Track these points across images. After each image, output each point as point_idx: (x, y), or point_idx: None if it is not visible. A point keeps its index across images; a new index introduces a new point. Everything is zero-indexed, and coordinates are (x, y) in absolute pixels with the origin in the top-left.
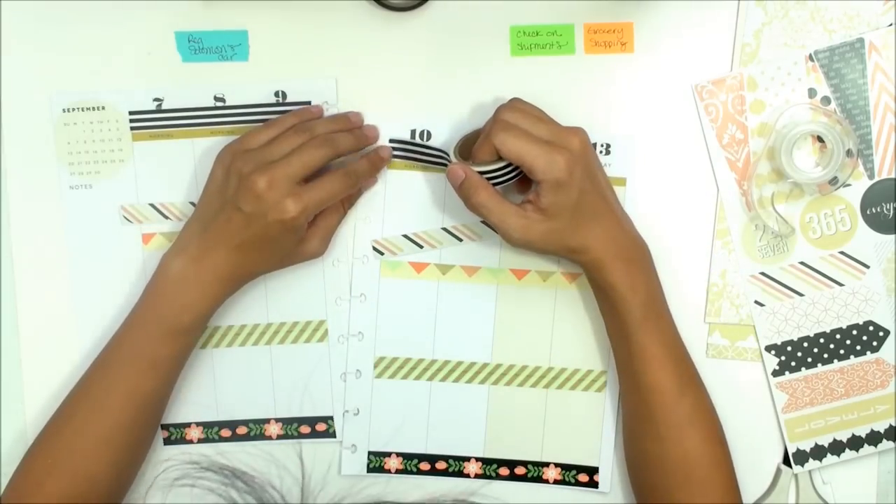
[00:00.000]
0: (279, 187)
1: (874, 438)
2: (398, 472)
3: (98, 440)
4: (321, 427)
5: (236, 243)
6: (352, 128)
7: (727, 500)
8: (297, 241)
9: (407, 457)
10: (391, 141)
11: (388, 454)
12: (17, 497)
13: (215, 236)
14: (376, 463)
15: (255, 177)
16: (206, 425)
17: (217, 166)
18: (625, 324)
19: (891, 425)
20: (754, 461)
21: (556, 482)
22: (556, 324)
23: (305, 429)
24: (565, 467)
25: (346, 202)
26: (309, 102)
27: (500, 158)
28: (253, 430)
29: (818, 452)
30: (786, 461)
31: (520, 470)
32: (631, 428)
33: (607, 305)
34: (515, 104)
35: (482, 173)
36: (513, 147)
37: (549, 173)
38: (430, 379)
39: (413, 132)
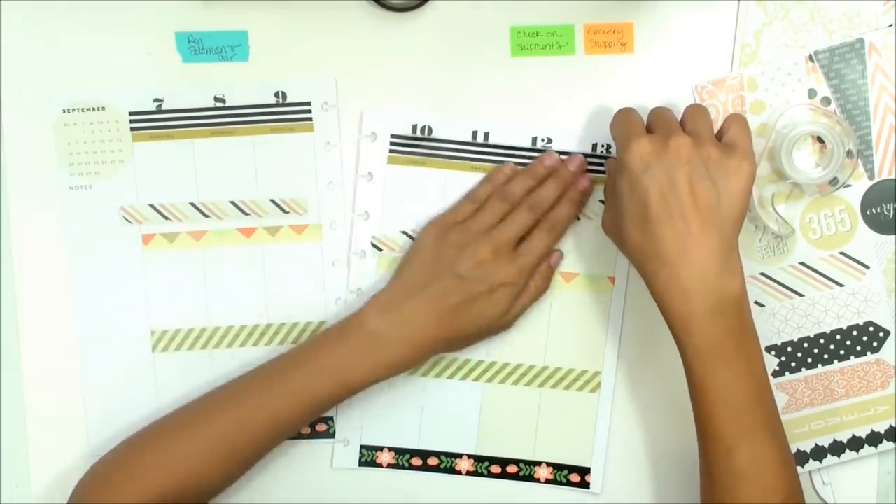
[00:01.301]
0: (501, 253)
1: (874, 439)
2: (390, 466)
3: (226, 454)
4: (321, 427)
5: (444, 309)
6: (547, 175)
7: None
8: (508, 308)
9: (399, 452)
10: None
11: (381, 448)
12: (110, 484)
13: (424, 302)
14: (368, 457)
15: (478, 246)
16: None
17: (427, 238)
18: (683, 362)
19: (891, 426)
20: None
21: (547, 481)
22: (551, 323)
23: (305, 429)
24: (557, 467)
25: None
26: (309, 103)
27: None
28: None
29: (818, 453)
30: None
31: (511, 468)
32: (700, 475)
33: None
34: (664, 108)
35: None
36: (614, 124)
37: (621, 153)
38: (425, 375)
39: (414, 127)
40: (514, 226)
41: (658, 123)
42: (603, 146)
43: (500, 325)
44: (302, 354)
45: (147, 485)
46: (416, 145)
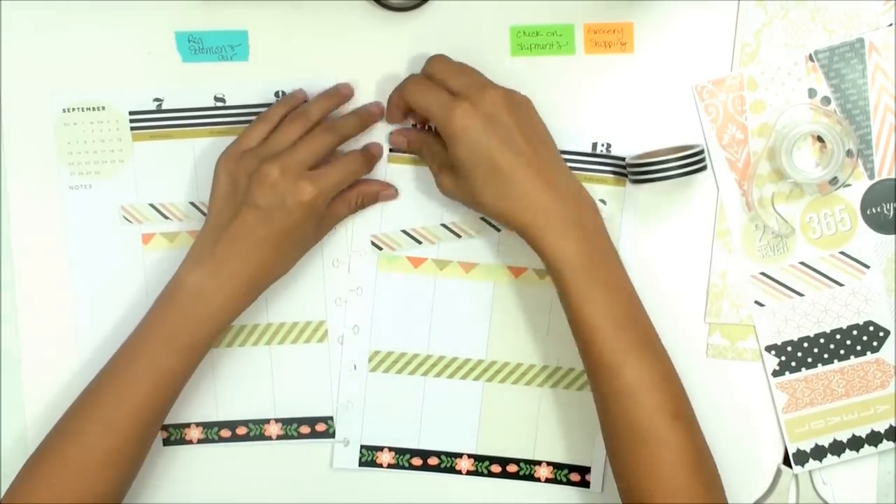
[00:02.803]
0: (292, 172)
1: (874, 439)
2: (390, 466)
3: (106, 458)
4: (321, 427)
5: (254, 242)
6: (344, 100)
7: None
8: (316, 228)
9: (399, 451)
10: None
11: (381, 448)
12: None
13: (231, 243)
14: (368, 457)
15: (266, 168)
16: (206, 426)
17: (220, 173)
18: (561, 296)
19: (891, 425)
20: (754, 461)
21: (547, 481)
22: (551, 322)
23: (305, 429)
24: (557, 466)
25: (360, 198)
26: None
27: None
28: (252, 431)
29: (818, 453)
30: (786, 461)
31: (512, 468)
32: (601, 423)
33: (550, 275)
34: (439, 58)
35: (634, 167)
36: (416, 97)
37: (445, 126)
38: (425, 374)
39: (413, 127)
40: (309, 146)
41: (454, 80)
42: (603, 145)
43: (314, 236)
44: (140, 332)
45: (55, 491)
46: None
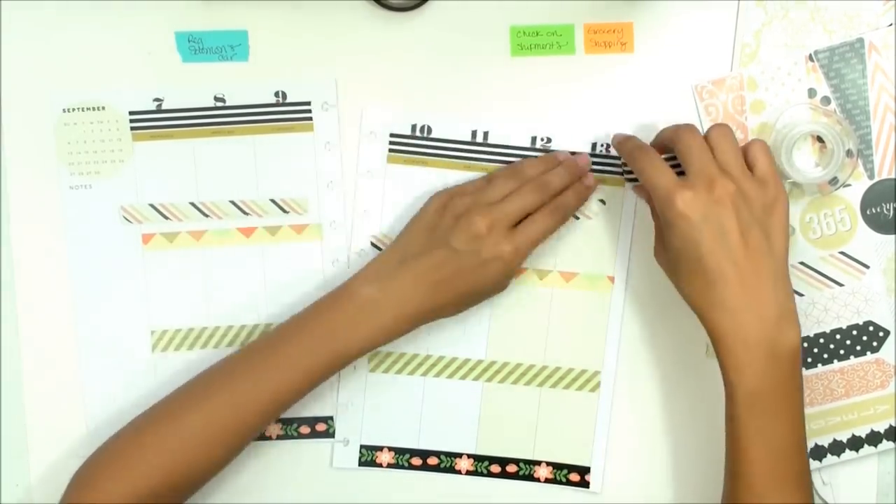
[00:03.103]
0: (497, 228)
1: (874, 439)
2: (389, 466)
3: (222, 435)
4: (321, 427)
5: (437, 279)
6: (556, 165)
7: None
8: (501, 284)
9: (399, 451)
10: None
11: (380, 448)
12: (101, 476)
13: (415, 271)
14: (368, 457)
15: (474, 218)
16: None
17: (429, 206)
18: (728, 407)
19: (891, 425)
20: None
21: (547, 481)
22: (551, 323)
23: (305, 429)
24: (557, 466)
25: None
26: (309, 102)
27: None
28: None
29: (818, 453)
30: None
31: (511, 468)
32: None
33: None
34: (678, 130)
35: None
36: (647, 171)
37: (662, 209)
38: (425, 374)
39: (413, 127)
40: (516, 202)
41: (690, 158)
42: (602, 145)
43: (492, 291)
44: (294, 327)
45: (135, 482)
46: (415, 144)
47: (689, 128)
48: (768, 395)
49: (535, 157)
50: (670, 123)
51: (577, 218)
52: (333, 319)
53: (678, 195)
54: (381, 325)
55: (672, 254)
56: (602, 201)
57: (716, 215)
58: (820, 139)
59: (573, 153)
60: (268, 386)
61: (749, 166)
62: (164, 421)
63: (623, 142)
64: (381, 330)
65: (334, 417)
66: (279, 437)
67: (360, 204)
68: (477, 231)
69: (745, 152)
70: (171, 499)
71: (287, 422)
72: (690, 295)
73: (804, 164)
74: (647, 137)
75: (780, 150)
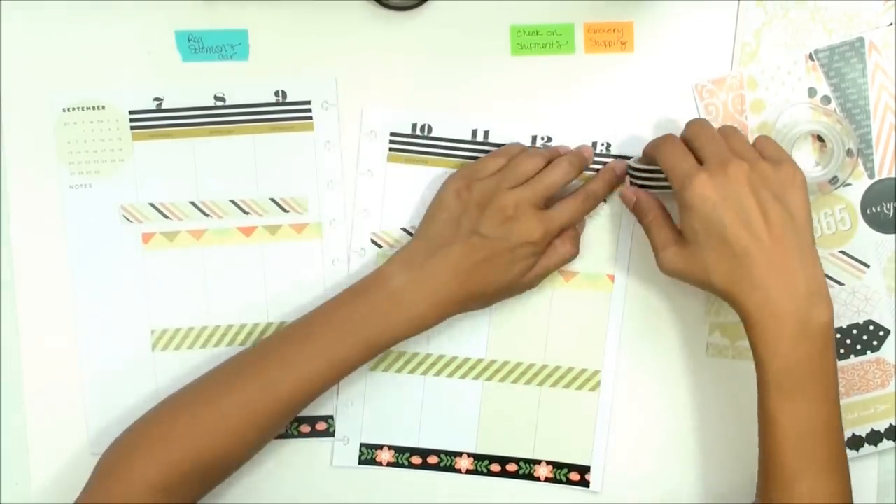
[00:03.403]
0: (525, 208)
1: (874, 438)
2: (389, 465)
3: (255, 420)
4: (321, 426)
5: (468, 266)
6: (585, 164)
7: None
8: (529, 268)
9: (399, 450)
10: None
11: (380, 447)
12: (134, 455)
13: (445, 260)
14: (368, 455)
15: (502, 201)
16: None
17: (449, 193)
18: (759, 387)
19: (891, 425)
20: (754, 461)
21: (547, 480)
22: (551, 322)
23: (306, 428)
24: (557, 465)
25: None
26: (309, 102)
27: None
28: None
29: None
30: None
31: (511, 467)
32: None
33: (755, 365)
34: (697, 122)
35: (637, 171)
36: (665, 156)
37: (680, 192)
38: (425, 373)
39: (414, 126)
40: (544, 182)
41: (705, 148)
42: (602, 144)
43: (521, 284)
44: (324, 315)
45: (171, 457)
46: (415, 143)
47: (701, 120)
48: (799, 372)
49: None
50: (670, 123)
51: None
52: (365, 309)
53: (696, 177)
54: (413, 315)
55: (694, 243)
56: (603, 200)
57: (734, 193)
58: (820, 138)
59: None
60: (299, 374)
61: (760, 153)
62: (197, 404)
63: (652, 141)
64: (413, 320)
65: (334, 416)
66: (279, 436)
67: (360, 203)
68: (506, 215)
69: (754, 145)
70: (202, 484)
71: None
72: (717, 278)
73: (804, 163)
74: (647, 137)
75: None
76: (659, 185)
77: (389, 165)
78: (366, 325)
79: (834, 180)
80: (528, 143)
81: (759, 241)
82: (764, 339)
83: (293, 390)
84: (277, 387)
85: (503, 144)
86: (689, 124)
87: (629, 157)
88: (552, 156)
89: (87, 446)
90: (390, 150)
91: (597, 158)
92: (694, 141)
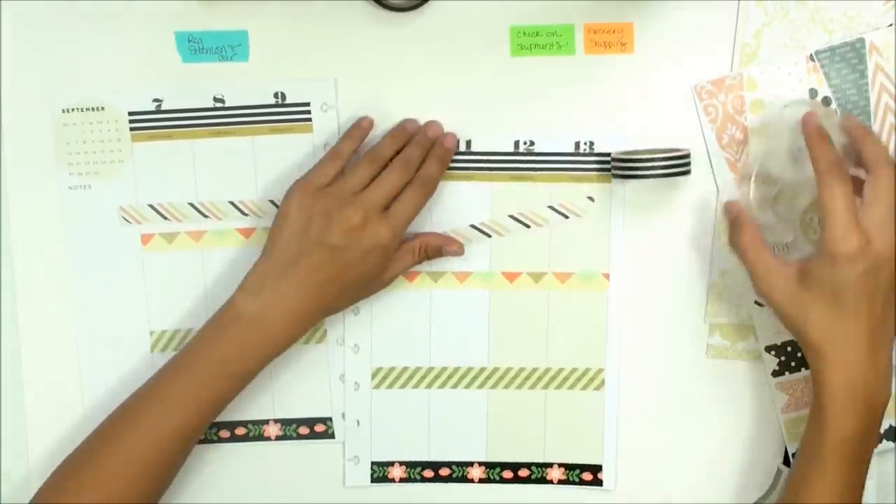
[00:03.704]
0: (371, 215)
1: None
2: (402, 480)
3: (142, 469)
4: (320, 428)
5: (321, 280)
6: (409, 137)
7: None
8: (383, 269)
9: (410, 465)
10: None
11: (391, 463)
12: None
13: (296, 278)
14: (380, 473)
15: (347, 212)
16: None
17: (292, 207)
18: (810, 454)
19: (891, 425)
20: (754, 461)
21: (560, 482)
22: (550, 324)
23: (304, 430)
24: (569, 467)
25: (423, 249)
26: (308, 104)
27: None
28: (252, 431)
29: None
30: (786, 461)
31: (523, 472)
32: None
33: (808, 426)
34: (889, 171)
35: (619, 161)
36: (830, 197)
37: (832, 242)
38: (429, 387)
39: None
40: (384, 186)
41: (878, 209)
42: (585, 143)
43: (375, 287)
44: (188, 356)
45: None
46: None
47: (838, 177)
48: (859, 446)
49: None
50: (670, 123)
51: (567, 217)
52: (224, 342)
53: (855, 237)
54: (273, 338)
55: (813, 284)
56: (590, 198)
57: (879, 270)
58: None
59: (554, 154)
60: (177, 417)
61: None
62: (81, 460)
63: (819, 143)
64: (272, 344)
65: (333, 419)
66: (278, 438)
67: None
68: (352, 224)
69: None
70: None
71: (286, 423)
72: (814, 323)
73: (806, 163)
74: (647, 137)
75: (781, 150)
76: (639, 174)
77: None
78: (230, 358)
79: None
80: (511, 149)
81: (874, 317)
82: (837, 406)
83: (173, 434)
84: (156, 435)
85: (490, 151)
86: (877, 170)
87: (608, 154)
88: (398, 144)
89: None
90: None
91: (582, 158)
92: (872, 189)
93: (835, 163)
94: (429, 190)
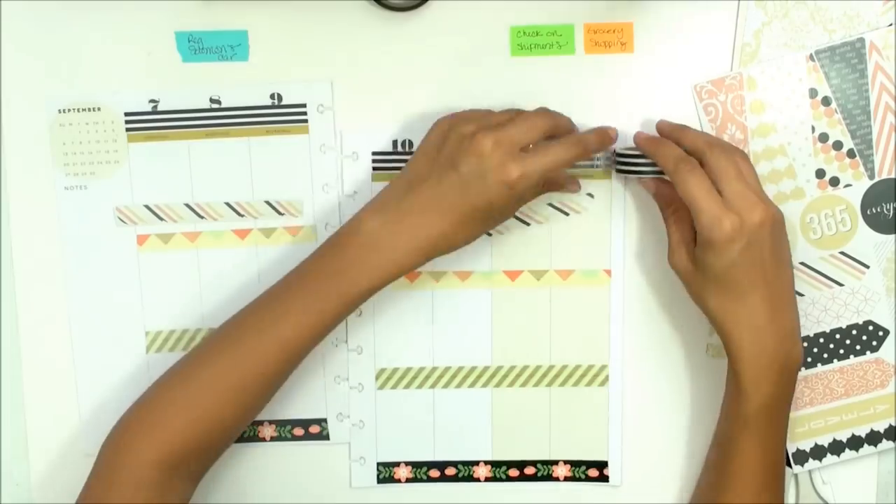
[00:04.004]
0: (504, 149)
1: (874, 438)
2: (408, 481)
3: (239, 386)
4: (315, 429)
5: (444, 206)
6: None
7: None
8: (505, 208)
9: (416, 465)
10: None
11: (397, 464)
12: (136, 427)
13: (421, 199)
14: (386, 474)
15: (480, 138)
16: None
17: (433, 130)
18: (734, 419)
19: (891, 425)
20: None
21: (566, 479)
22: (553, 322)
23: (299, 431)
24: (575, 464)
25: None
26: (304, 105)
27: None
28: (246, 432)
29: (818, 452)
30: (786, 461)
31: (529, 470)
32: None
33: (727, 392)
34: (732, 152)
35: (624, 157)
36: (692, 190)
37: (706, 230)
38: (433, 387)
39: (395, 143)
40: (525, 126)
41: (731, 184)
42: None
43: (501, 219)
44: (300, 270)
45: (166, 436)
46: (399, 161)
47: (722, 149)
48: (775, 408)
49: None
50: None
51: (567, 214)
52: (340, 258)
53: (725, 221)
54: (388, 259)
55: (705, 272)
56: (590, 195)
57: (756, 241)
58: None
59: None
60: (277, 335)
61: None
62: (178, 380)
63: (659, 147)
64: (389, 262)
65: (328, 420)
66: (273, 439)
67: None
68: (482, 150)
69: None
70: (204, 456)
71: (281, 424)
72: (713, 308)
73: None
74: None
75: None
76: (645, 172)
77: (374, 185)
78: (342, 276)
79: (834, 181)
80: None
81: (765, 285)
82: (751, 375)
83: (276, 348)
84: (256, 353)
85: None
86: (713, 157)
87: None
88: (556, 126)
89: (83, 447)
90: (374, 169)
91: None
92: (717, 173)
93: (680, 157)
94: (579, 151)
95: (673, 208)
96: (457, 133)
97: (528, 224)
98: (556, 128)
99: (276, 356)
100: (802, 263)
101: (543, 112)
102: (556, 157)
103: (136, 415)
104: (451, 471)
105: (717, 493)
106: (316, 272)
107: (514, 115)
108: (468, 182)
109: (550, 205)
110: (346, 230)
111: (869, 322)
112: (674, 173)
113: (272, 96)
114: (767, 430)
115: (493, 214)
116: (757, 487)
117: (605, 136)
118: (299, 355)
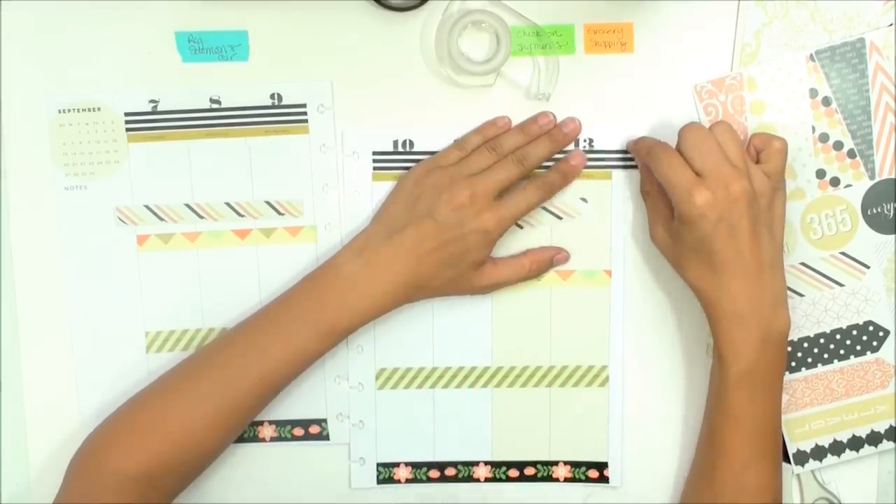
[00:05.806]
0: (479, 199)
1: (874, 439)
2: (408, 481)
3: (214, 420)
4: (315, 430)
5: (422, 252)
6: (539, 133)
7: None
8: (481, 262)
9: (416, 465)
10: None
11: (397, 464)
12: (108, 447)
13: (400, 246)
14: (385, 474)
15: (457, 189)
16: None
17: (408, 181)
18: (719, 384)
19: (891, 425)
20: None
21: (566, 480)
22: (553, 322)
23: (299, 431)
24: (575, 465)
25: (532, 266)
26: (304, 105)
27: None
28: (247, 433)
29: (818, 453)
30: (786, 458)
31: (529, 471)
32: (692, 481)
33: (714, 355)
34: (711, 127)
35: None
36: (658, 166)
37: (681, 205)
38: (433, 387)
39: (395, 143)
40: (497, 175)
41: (704, 158)
42: (584, 141)
43: (472, 283)
44: (282, 305)
45: (143, 449)
46: (399, 160)
47: (698, 126)
48: (759, 374)
49: (520, 125)
50: (670, 123)
51: (561, 218)
52: (321, 296)
53: (698, 194)
54: (368, 301)
55: (681, 244)
56: (584, 199)
57: (731, 214)
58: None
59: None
60: (262, 367)
61: (760, 160)
62: (156, 401)
63: (637, 141)
64: (368, 304)
65: (328, 420)
66: (273, 440)
67: (346, 221)
68: (460, 202)
69: (762, 149)
70: (180, 474)
71: (280, 424)
72: (693, 279)
73: (473, 55)
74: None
75: (445, 39)
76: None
77: (375, 184)
78: (323, 312)
79: (835, 181)
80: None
81: (741, 257)
82: (729, 342)
83: (253, 384)
84: (236, 382)
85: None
86: (685, 132)
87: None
88: (523, 140)
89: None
90: (374, 169)
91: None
92: (691, 150)
93: (652, 143)
94: (546, 194)
95: (649, 187)
96: (433, 183)
97: (521, 227)
98: (527, 172)
99: (256, 389)
100: (803, 264)
101: (516, 160)
102: (528, 201)
103: (109, 429)
104: (450, 471)
105: (706, 463)
106: (298, 307)
107: (485, 163)
108: (445, 230)
109: (544, 209)
110: (328, 269)
111: (869, 322)
112: (648, 156)
113: (272, 96)
114: (752, 397)
115: (467, 259)
116: (743, 459)
117: (567, 172)
118: (279, 387)
